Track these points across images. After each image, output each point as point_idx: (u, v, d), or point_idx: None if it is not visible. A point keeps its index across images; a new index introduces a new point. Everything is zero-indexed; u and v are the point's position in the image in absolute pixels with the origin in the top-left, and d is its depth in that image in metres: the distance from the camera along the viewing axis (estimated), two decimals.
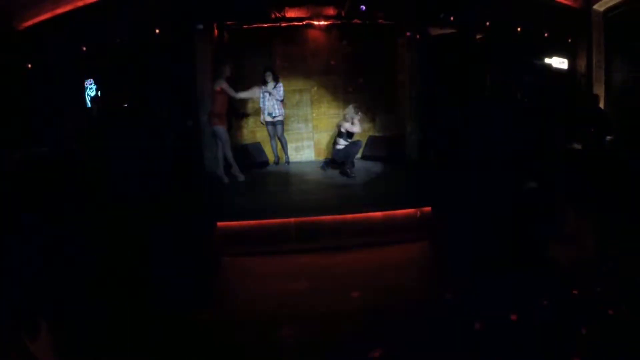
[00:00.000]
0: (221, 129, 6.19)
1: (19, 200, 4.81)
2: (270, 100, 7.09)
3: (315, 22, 7.52)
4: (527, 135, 6.82)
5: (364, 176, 6.57)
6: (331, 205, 5.35)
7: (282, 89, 7.14)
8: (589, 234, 4.76)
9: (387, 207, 5.18)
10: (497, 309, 3.23)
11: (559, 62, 8.35)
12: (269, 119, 7.18)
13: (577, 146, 6.90)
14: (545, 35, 8.05)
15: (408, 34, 7.33)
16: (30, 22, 7.04)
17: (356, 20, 7.33)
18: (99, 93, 7.93)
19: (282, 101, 7.18)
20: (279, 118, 7.18)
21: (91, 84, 7.99)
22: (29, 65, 7.22)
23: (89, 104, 7.96)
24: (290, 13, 7.25)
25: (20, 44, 7.02)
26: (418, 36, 7.33)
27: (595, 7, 7.64)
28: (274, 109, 7.11)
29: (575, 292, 3.41)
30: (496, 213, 4.81)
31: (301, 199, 5.63)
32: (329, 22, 7.54)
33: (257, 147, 7.66)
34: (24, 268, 3.79)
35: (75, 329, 2.94)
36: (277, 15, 7.09)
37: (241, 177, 6.48)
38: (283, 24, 7.31)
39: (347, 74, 7.84)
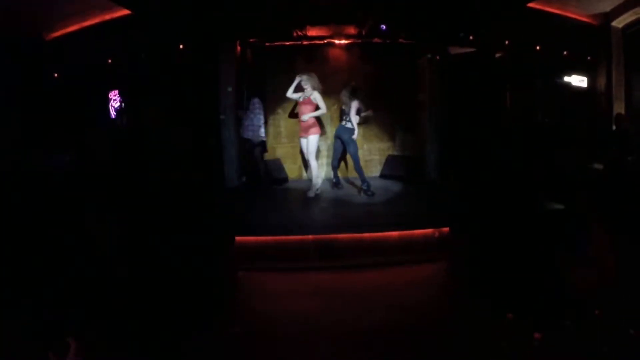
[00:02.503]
0: (314, 138, 6.38)
1: (43, 206, 4.97)
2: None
3: (337, 41, 7.62)
4: (548, 155, 6.78)
5: (383, 195, 6.59)
6: (349, 223, 5.36)
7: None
8: (611, 257, 4.71)
9: (405, 226, 5.20)
10: (514, 332, 3.24)
11: (578, 80, 8.31)
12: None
13: (598, 166, 6.82)
14: (565, 53, 8.03)
15: (428, 53, 7.40)
16: (58, 33, 7.27)
17: (377, 40, 7.41)
18: (123, 105, 8.11)
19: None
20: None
21: (116, 95, 8.18)
22: (56, 75, 7.45)
23: (113, 115, 8.17)
24: (312, 32, 7.37)
25: (48, 53, 7.25)
26: (438, 55, 7.39)
27: (614, 23, 7.61)
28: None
29: (596, 315, 3.39)
30: (515, 234, 4.79)
31: (319, 217, 5.68)
32: (350, 41, 7.63)
33: (277, 163, 7.73)
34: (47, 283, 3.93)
35: (103, 346, 3.04)
36: (299, 33, 7.23)
37: (311, 194, 6.48)
38: (305, 43, 7.41)
39: (367, 93, 7.85)
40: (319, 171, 6.87)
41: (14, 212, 4.67)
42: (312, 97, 6.30)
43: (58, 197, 5.15)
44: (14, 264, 4.10)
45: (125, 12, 6.95)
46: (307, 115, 6.28)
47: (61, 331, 2.79)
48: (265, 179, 7.31)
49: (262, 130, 7.09)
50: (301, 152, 7.27)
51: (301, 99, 6.39)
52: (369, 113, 7.12)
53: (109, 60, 7.55)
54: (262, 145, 7.27)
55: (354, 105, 6.63)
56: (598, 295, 3.64)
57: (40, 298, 3.72)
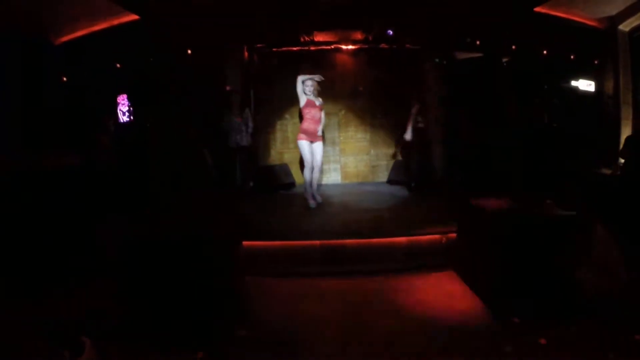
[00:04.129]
0: (301, 144, 6.05)
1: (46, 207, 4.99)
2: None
3: (343, 47, 7.67)
4: (554, 159, 6.76)
5: (389, 200, 6.60)
6: (356, 229, 5.33)
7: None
8: (617, 261, 4.68)
9: (412, 232, 5.19)
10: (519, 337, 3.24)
11: (585, 85, 8.28)
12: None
13: (606, 171, 6.79)
14: (572, 57, 8.01)
15: (434, 58, 7.40)
16: (67, 37, 7.28)
17: (383, 45, 7.46)
18: (131, 109, 8.17)
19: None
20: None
21: (124, 99, 8.24)
22: (64, 79, 7.52)
23: (121, 119, 8.23)
24: (319, 37, 7.42)
25: (56, 57, 7.32)
26: (444, 60, 7.39)
27: (621, 27, 7.56)
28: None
29: (602, 320, 3.37)
30: (522, 239, 4.76)
31: (326, 222, 5.67)
32: (356, 47, 7.68)
33: (285, 168, 7.76)
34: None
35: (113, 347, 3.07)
36: (306, 39, 7.27)
37: (312, 204, 6.23)
38: (312, 48, 7.47)
39: (374, 98, 7.92)
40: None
41: (20, 213, 4.71)
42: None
43: (64, 199, 5.18)
44: (21, 264, 4.15)
45: (134, 17, 7.01)
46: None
47: (76, 330, 2.82)
48: (244, 187, 7.10)
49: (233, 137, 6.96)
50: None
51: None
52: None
53: (117, 65, 7.62)
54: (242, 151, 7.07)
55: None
56: (605, 299, 3.62)
57: (52, 297, 3.77)
